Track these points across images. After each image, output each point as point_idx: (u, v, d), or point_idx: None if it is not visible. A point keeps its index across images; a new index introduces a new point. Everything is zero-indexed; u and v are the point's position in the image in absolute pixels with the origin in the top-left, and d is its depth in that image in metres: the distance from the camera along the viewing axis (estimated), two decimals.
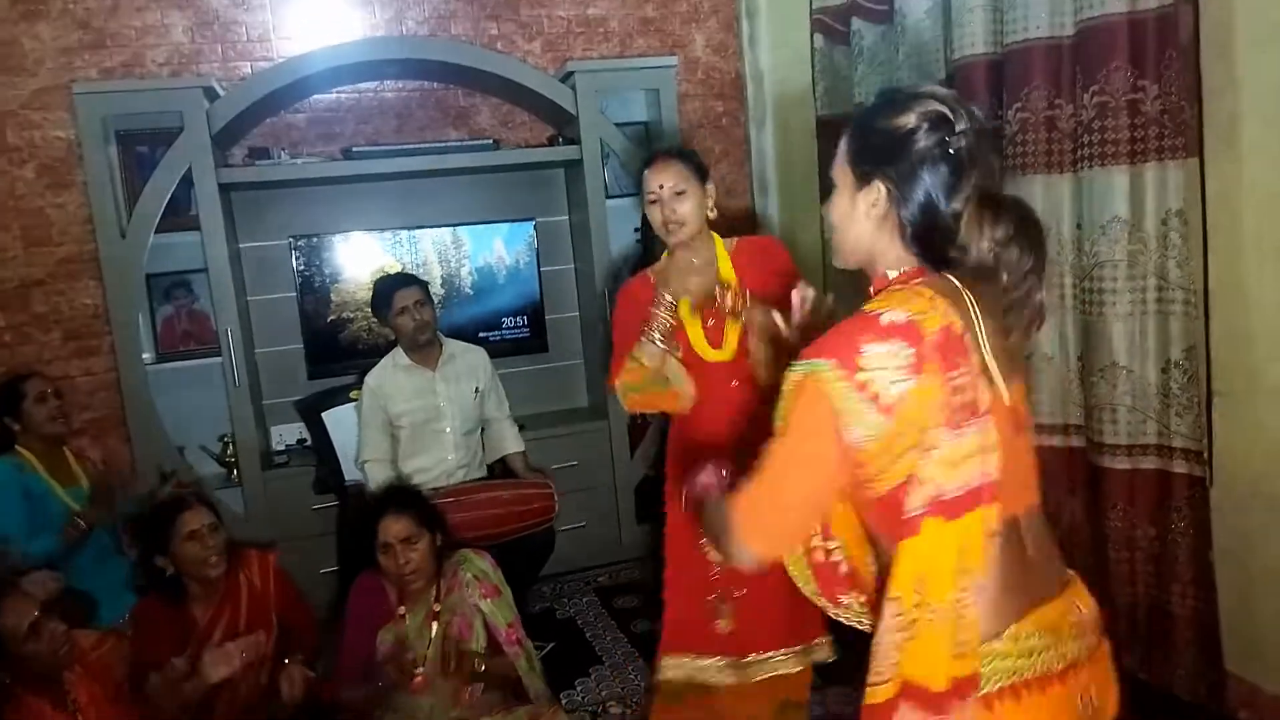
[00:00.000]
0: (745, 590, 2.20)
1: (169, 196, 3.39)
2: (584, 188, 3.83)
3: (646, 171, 2.20)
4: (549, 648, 3.25)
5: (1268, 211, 2.25)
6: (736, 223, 4.41)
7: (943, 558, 1.12)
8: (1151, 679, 2.58)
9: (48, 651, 1.96)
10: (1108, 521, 2.61)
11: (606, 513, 3.96)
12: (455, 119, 4.07)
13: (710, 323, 2.21)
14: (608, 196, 3.88)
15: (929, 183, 1.18)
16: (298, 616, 2.66)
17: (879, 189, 1.21)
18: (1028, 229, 1.20)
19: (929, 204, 1.18)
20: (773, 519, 1.19)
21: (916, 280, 1.20)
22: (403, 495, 2.63)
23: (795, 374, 1.15)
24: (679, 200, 2.14)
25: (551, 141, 4.00)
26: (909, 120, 1.18)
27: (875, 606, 1.28)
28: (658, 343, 2.08)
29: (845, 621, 1.42)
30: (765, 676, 2.25)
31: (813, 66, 3.83)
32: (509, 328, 4.06)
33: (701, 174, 2.21)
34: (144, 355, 3.53)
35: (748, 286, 2.14)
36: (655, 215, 2.18)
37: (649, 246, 4.18)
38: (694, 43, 4.28)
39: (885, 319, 1.12)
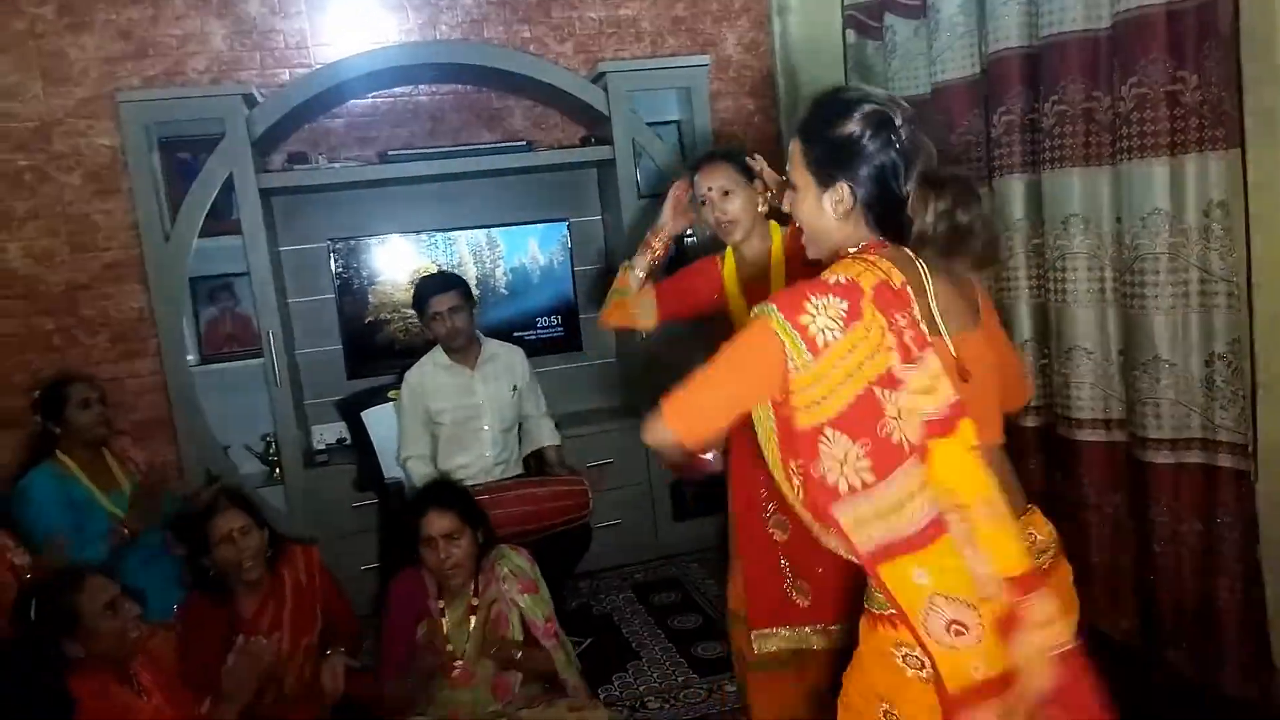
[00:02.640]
0: (820, 569, 2.26)
1: (211, 202, 3.46)
2: (616, 187, 3.85)
3: (695, 176, 2.32)
4: (587, 643, 3.27)
5: None
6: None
7: (960, 466, 1.30)
8: (1198, 677, 2.54)
9: (121, 630, 2.03)
10: (1152, 517, 2.59)
11: (642, 510, 3.98)
12: (489, 121, 4.11)
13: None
14: (640, 196, 3.90)
15: (884, 175, 1.38)
16: (339, 610, 2.72)
17: (843, 188, 1.40)
18: (964, 198, 1.38)
19: (885, 192, 1.39)
20: (695, 406, 1.37)
21: (869, 253, 1.39)
22: (447, 491, 2.67)
23: (755, 313, 1.34)
24: (727, 201, 2.28)
25: (584, 142, 4.03)
26: (858, 125, 1.38)
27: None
28: (639, 272, 2.41)
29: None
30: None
31: (845, 62, 3.82)
32: (543, 327, 4.09)
33: (749, 173, 2.30)
34: (188, 357, 3.60)
35: (797, 268, 2.19)
36: (708, 216, 2.32)
37: (681, 245, 4.20)
38: (725, 41, 4.29)
39: (831, 280, 1.34)
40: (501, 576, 2.59)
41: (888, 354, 1.29)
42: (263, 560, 2.50)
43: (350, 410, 3.63)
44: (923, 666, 1.34)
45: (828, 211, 1.42)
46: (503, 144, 3.92)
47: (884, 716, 1.39)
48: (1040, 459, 3.01)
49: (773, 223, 2.37)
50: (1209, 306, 2.41)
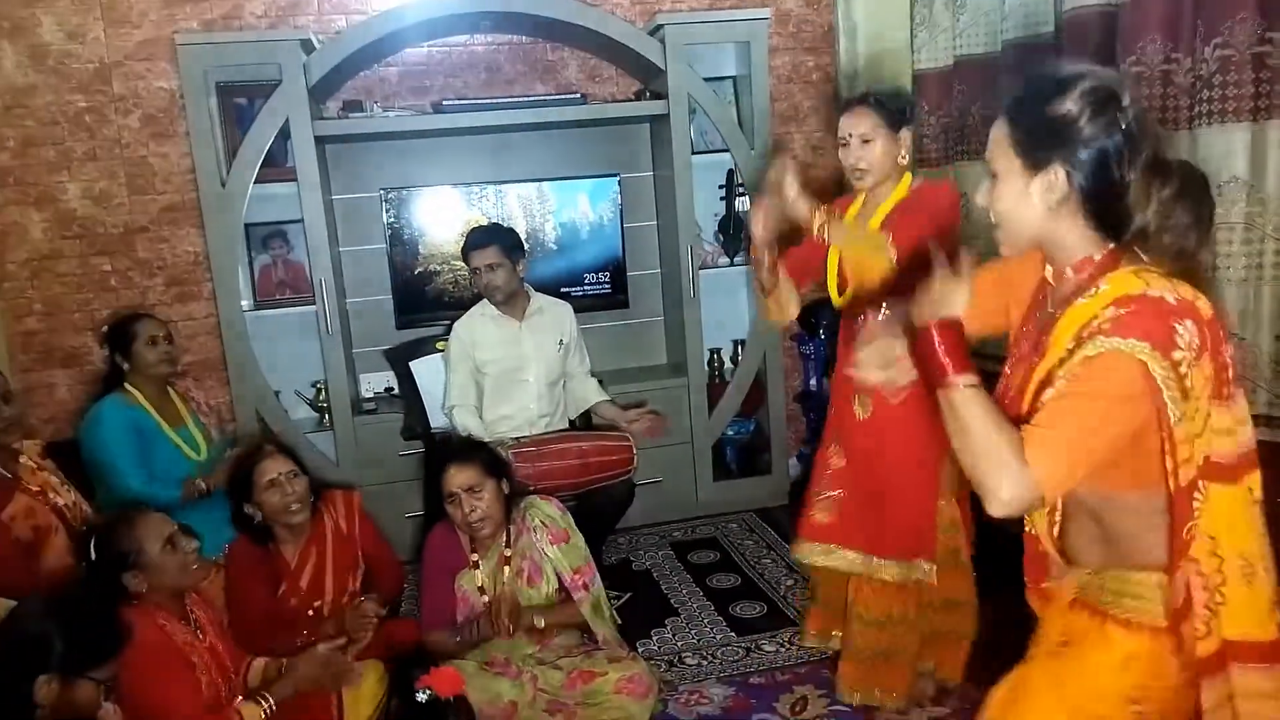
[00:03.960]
0: (842, 492, 2.45)
1: (267, 148, 3.48)
2: (670, 143, 3.80)
3: (842, 117, 2.33)
4: (626, 597, 3.30)
5: None
6: (823, 181, 4.34)
7: (1234, 518, 1.24)
8: None
9: (181, 565, 2.08)
10: None
11: (683, 469, 3.98)
12: (543, 73, 4.07)
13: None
14: (694, 152, 3.85)
15: (1107, 160, 1.22)
16: (381, 556, 2.75)
17: (1057, 173, 1.24)
18: (1192, 186, 1.27)
19: (1109, 180, 1.23)
20: (1069, 468, 1.21)
21: (1151, 267, 1.23)
22: (464, 445, 2.67)
23: (1106, 348, 1.18)
24: (866, 149, 2.28)
25: (639, 96, 3.97)
26: (1078, 103, 1.22)
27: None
28: (765, 279, 2.35)
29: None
30: (841, 568, 2.45)
31: (911, 18, 3.71)
32: (591, 283, 4.08)
33: (896, 121, 2.29)
34: (242, 302, 3.65)
35: (898, 230, 2.19)
36: (845, 159, 2.33)
37: (731, 204, 4.15)
38: None
39: (1170, 299, 1.18)
40: (532, 527, 2.61)
41: (1208, 391, 1.21)
42: (308, 505, 2.54)
43: (399, 360, 3.66)
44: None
45: (1035, 201, 1.26)
46: (556, 96, 3.88)
47: (1136, 717, 1.33)
48: None
49: (905, 178, 2.34)
50: None
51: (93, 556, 2.02)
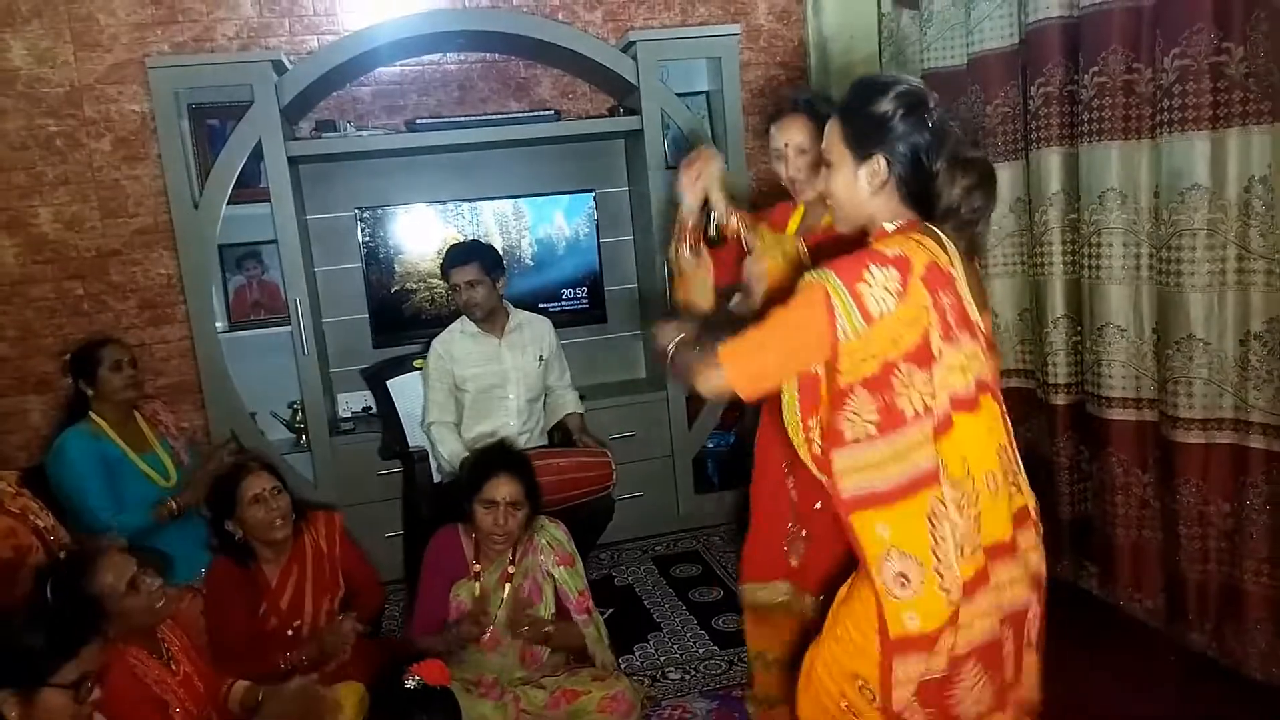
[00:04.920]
0: (811, 534, 2.20)
1: (239, 169, 3.47)
2: (644, 158, 3.83)
3: (773, 127, 2.15)
4: (608, 613, 3.28)
5: None
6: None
7: (977, 440, 1.46)
8: (1222, 657, 2.52)
9: (146, 606, 2.03)
10: (1180, 497, 2.56)
11: (664, 483, 3.98)
12: (516, 90, 4.09)
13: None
14: (667, 167, 3.87)
15: (917, 152, 1.49)
16: (362, 576, 2.73)
17: (879, 162, 1.51)
18: (986, 180, 1.57)
19: (918, 168, 1.50)
20: (755, 363, 1.49)
21: (913, 231, 1.50)
22: (521, 460, 2.65)
23: (809, 278, 1.45)
24: (803, 159, 2.09)
25: (612, 112, 4.00)
26: (893, 104, 1.49)
27: None
28: (685, 254, 2.15)
29: None
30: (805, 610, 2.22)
31: (879, 32, 3.76)
32: (568, 299, 4.09)
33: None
34: (216, 324, 3.62)
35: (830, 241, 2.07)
36: (781, 172, 2.16)
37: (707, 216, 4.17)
38: (756, 10, 4.23)
39: (889, 253, 1.45)
40: (540, 548, 2.61)
41: (927, 330, 1.43)
42: (290, 522, 2.52)
43: (376, 379, 3.65)
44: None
45: (862, 185, 1.53)
46: (530, 113, 3.90)
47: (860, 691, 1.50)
48: (1069, 437, 2.98)
49: None
50: (1246, 285, 2.36)
51: (49, 600, 1.92)
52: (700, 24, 4.12)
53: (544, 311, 3.72)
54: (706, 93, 4.11)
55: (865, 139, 1.51)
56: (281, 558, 2.54)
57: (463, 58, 4.01)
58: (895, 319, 1.41)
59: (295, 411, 3.80)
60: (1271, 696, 2.38)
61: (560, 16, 4.01)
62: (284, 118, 3.50)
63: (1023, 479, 1.56)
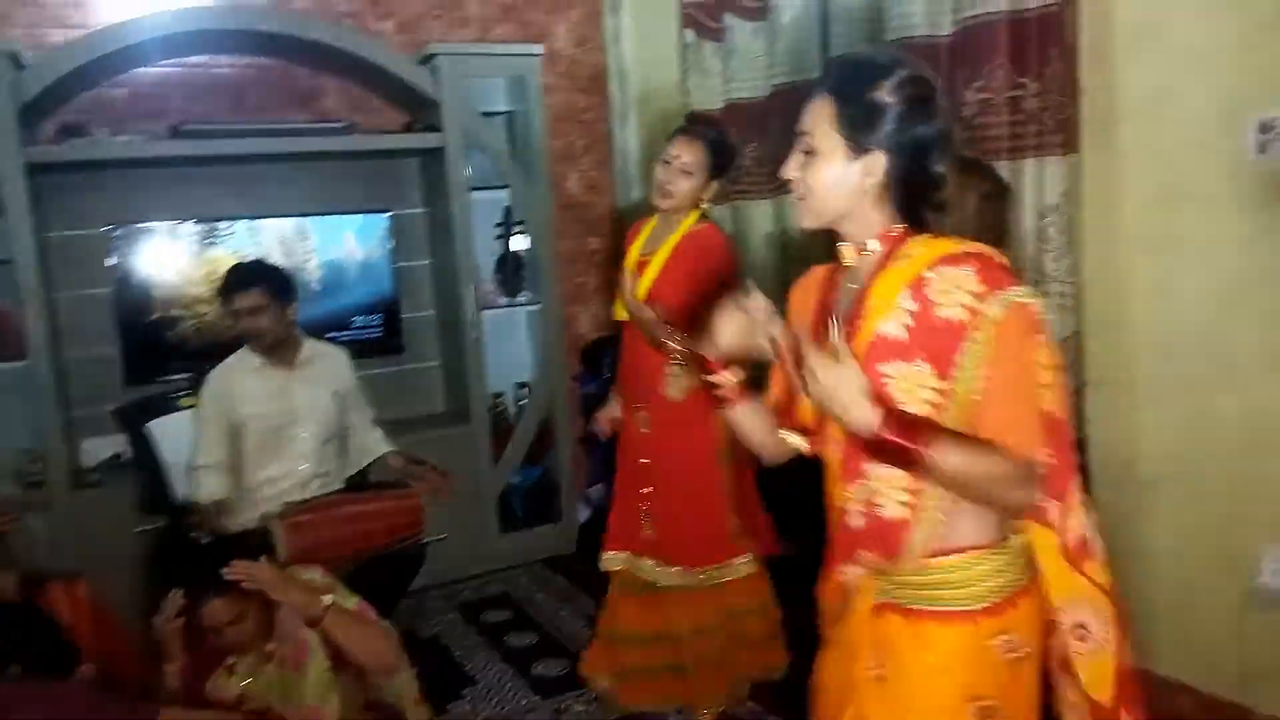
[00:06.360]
0: (654, 505, 2.49)
1: None
2: (445, 178, 3.61)
3: (677, 136, 2.41)
4: (413, 672, 2.99)
5: (1141, 207, 2.36)
6: (600, 220, 4.31)
7: None
8: None
9: None
10: None
11: (468, 523, 3.73)
12: (299, 101, 3.75)
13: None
14: (471, 189, 3.68)
15: (923, 151, 1.26)
16: (115, 649, 2.39)
17: (878, 159, 1.26)
18: (1002, 189, 1.42)
19: (920, 171, 1.27)
20: (1037, 425, 1.24)
21: (923, 235, 1.29)
22: (216, 572, 2.13)
23: (996, 310, 1.19)
24: (681, 178, 2.37)
25: (408, 128, 3.75)
26: (901, 91, 1.25)
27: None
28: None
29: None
30: (685, 587, 2.47)
31: (683, 61, 3.77)
32: (360, 327, 3.77)
33: (718, 167, 2.40)
34: None
35: (674, 272, 2.37)
36: (658, 174, 2.40)
37: (509, 242, 4.01)
38: (556, 33, 4.14)
39: (994, 255, 1.25)
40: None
41: None
42: None
43: (132, 421, 3.17)
44: (1021, 647, 1.31)
45: (853, 181, 1.28)
46: (318, 125, 3.59)
47: (980, 713, 1.29)
48: None
49: (695, 213, 2.43)
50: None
51: None
52: (499, 40, 3.98)
53: (333, 341, 3.38)
54: (509, 113, 3.96)
55: (866, 130, 1.26)
56: None
57: (236, 61, 3.64)
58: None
59: (31, 461, 3.22)
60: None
61: (349, 25, 3.73)
62: (22, 120, 2.99)
63: None
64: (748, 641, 2.53)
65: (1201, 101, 2.19)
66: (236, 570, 2.10)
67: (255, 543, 2.36)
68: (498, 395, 3.98)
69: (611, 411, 2.69)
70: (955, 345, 1.21)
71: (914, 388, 1.24)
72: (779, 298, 1.40)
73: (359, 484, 3.08)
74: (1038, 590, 1.33)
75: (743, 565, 2.49)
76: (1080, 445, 2.43)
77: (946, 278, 1.23)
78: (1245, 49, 2.09)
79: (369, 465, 3.08)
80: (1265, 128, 2.06)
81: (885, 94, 1.25)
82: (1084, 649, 1.31)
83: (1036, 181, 2.46)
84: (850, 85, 1.27)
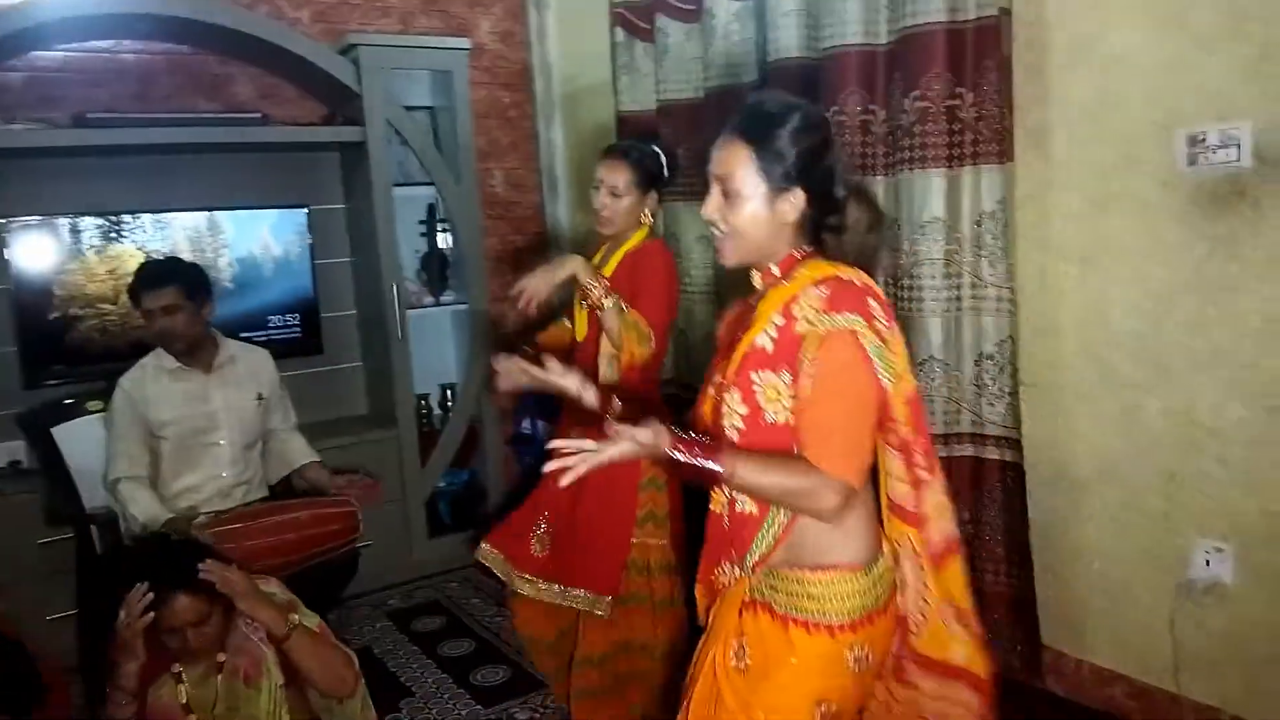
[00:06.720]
0: (556, 526, 2.37)
1: None
2: (366, 173, 3.50)
3: (600, 162, 2.39)
4: None
5: (1072, 216, 2.46)
6: (525, 219, 4.25)
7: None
8: None
9: None
10: None
11: (396, 529, 3.63)
12: (208, 89, 3.57)
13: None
14: (394, 184, 3.57)
15: (831, 182, 1.42)
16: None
17: (798, 195, 1.40)
18: (878, 212, 1.52)
19: (829, 199, 1.43)
20: (855, 447, 1.35)
21: (818, 258, 1.43)
22: (191, 562, 2.07)
23: (824, 328, 1.32)
24: (614, 200, 2.35)
25: (326, 121, 3.62)
26: (811, 132, 1.39)
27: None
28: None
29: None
30: (546, 600, 2.36)
31: (613, 61, 3.74)
32: (277, 326, 3.62)
33: (647, 181, 2.37)
34: None
35: (621, 288, 2.29)
36: (594, 200, 2.39)
37: (434, 239, 3.91)
38: (479, 28, 4.06)
39: (859, 280, 1.37)
40: (247, 620, 2.18)
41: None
42: None
43: (35, 426, 2.96)
44: (868, 659, 1.44)
45: (776, 216, 1.41)
46: (231, 115, 3.41)
47: (824, 716, 1.41)
48: None
49: (642, 229, 2.40)
50: (980, 310, 2.58)
51: None
52: (422, 33, 3.87)
53: (248, 341, 3.23)
54: (432, 109, 3.86)
55: (785, 171, 1.38)
56: None
57: (142, 47, 3.43)
58: (896, 341, 1.37)
59: None
60: (1020, 692, 2.55)
61: (262, 10, 3.56)
62: None
63: None
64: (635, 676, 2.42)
65: (1134, 114, 2.28)
66: (211, 570, 2.01)
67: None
68: (422, 397, 3.88)
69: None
70: (798, 356, 1.35)
71: (775, 395, 1.37)
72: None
73: (285, 491, 2.95)
74: (894, 609, 1.48)
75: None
76: (1015, 446, 2.56)
77: (808, 296, 1.37)
78: (1177, 66, 2.19)
79: (288, 475, 2.94)
80: (1194, 141, 2.17)
81: (795, 133, 1.38)
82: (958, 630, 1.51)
83: (973, 190, 2.52)
84: (763, 129, 1.39)
